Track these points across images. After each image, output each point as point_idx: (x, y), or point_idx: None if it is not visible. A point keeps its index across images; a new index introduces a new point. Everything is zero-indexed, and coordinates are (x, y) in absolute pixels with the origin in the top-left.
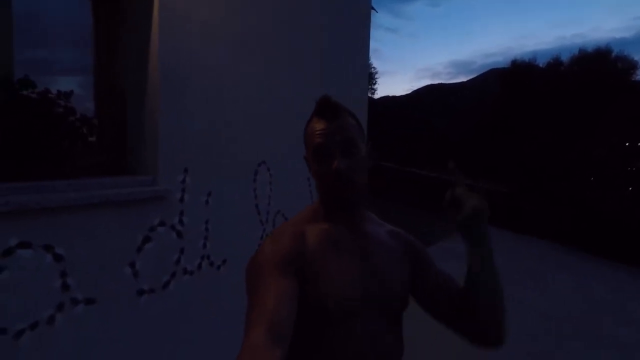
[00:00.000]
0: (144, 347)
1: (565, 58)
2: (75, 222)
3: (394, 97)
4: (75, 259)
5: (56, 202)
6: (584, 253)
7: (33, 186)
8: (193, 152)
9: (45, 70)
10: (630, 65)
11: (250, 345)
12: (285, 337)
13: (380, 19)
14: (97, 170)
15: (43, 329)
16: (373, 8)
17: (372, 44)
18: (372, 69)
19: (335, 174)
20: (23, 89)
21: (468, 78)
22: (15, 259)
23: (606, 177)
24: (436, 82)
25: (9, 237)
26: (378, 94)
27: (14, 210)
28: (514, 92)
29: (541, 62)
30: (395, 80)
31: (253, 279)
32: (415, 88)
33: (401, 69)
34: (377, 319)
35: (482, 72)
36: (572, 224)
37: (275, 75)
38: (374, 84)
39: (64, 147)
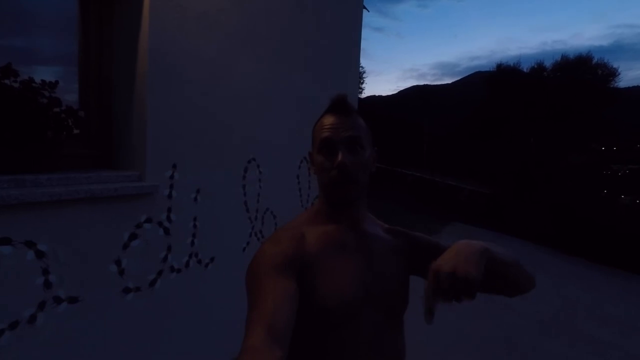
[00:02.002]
0: (129, 347)
1: (547, 63)
2: (59, 218)
3: (380, 96)
4: (58, 256)
5: (39, 197)
6: (561, 253)
7: (14, 179)
8: (182, 147)
9: (29, 59)
10: (610, 72)
11: (249, 347)
12: (285, 339)
13: (367, 18)
14: (83, 164)
15: (24, 329)
16: (365, 7)
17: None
18: (360, 68)
19: (339, 167)
20: (5, 78)
21: (453, 80)
22: None
23: (583, 180)
24: (422, 82)
25: None
26: (365, 94)
27: None
28: (499, 95)
29: (525, 67)
30: (381, 79)
31: (253, 281)
32: (401, 88)
33: (387, 69)
34: (379, 319)
35: (467, 74)
36: (550, 225)
37: (269, 71)
38: (362, 83)
39: (48, 139)
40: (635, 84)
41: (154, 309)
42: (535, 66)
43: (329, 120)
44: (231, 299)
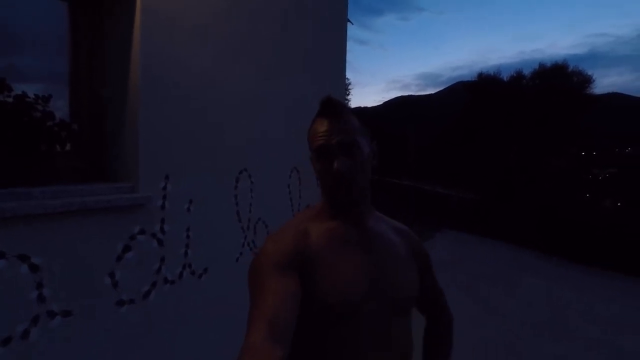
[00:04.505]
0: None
1: (526, 72)
2: (53, 231)
3: (366, 107)
4: (52, 269)
5: (32, 210)
6: (549, 256)
7: (8, 193)
8: (174, 158)
9: (22, 74)
10: (585, 79)
11: (250, 345)
12: (286, 337)
13: (351, 31)
14: (76, 176)
15: (17, 344)
16: (349, 20)
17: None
18: (346, 80)
19: (336, 174)
20: None
21: (436, 90)
22: None
23: (565, 183)
24: (406, 93)
25: None
26: (351, 105)
27: None
28: (480, 103)
29: (505, 75)
30: (366, 91)
31: (255, 279)
32: (386, 99)
33: (372, 81)
34: (382, 315)
35: (449, 84)
36: (534, 228)
37: (259, 82)
38: (348, 94)
39: (41, 152)
40: (609, 91)
41: (148, 321)
42: (515, 74)
43: (320, 125)
44: (225, 310)
